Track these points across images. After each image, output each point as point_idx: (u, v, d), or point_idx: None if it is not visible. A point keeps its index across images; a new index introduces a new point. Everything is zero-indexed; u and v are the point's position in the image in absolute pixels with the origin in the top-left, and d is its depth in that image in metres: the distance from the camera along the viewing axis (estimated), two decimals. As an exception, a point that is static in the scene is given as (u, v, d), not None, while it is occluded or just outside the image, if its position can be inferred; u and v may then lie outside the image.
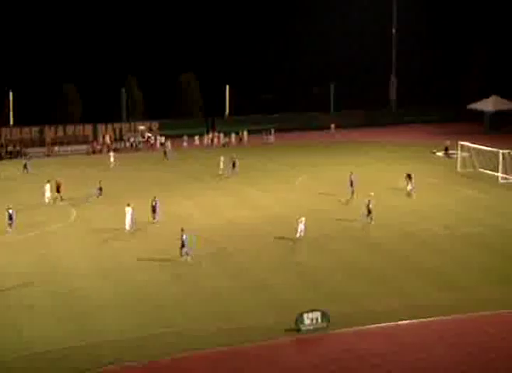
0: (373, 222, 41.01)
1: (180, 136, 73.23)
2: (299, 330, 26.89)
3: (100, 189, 46.60)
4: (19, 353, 24.62)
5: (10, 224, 37.37)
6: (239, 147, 71.78)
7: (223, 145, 73.87)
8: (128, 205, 39.99)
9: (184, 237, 33.83)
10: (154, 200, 40.92)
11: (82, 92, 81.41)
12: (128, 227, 39.27)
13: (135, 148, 72.58)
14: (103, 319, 27.66)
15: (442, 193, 50.30)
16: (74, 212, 43.61)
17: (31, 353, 24.63)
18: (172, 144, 70.49)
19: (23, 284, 31.36)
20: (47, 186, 46.09)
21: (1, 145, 69.80)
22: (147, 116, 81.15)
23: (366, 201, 41.42)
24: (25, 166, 58.24)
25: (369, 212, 41.04)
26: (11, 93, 75.41)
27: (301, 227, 38.22)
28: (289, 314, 27.52)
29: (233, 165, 57.19)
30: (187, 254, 33.84)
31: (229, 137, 75.05)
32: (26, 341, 25.45)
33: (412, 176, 50.11)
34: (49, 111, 78.92)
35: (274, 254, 36.36)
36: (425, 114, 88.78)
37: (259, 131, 75.56)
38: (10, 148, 68.80)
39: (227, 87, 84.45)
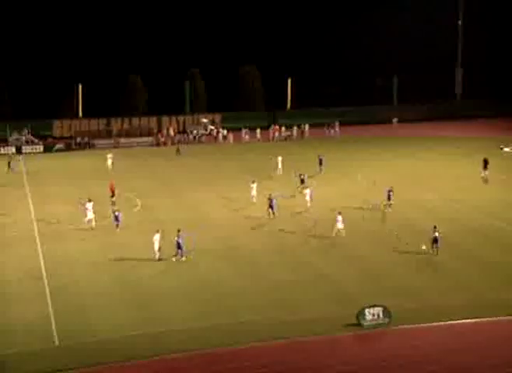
0: (390, 210, 41.41)
1: (242, 129, 73.38)
2: (360, 325, 26.48)
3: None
4: (86, 339, 25.12)
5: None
6: (300, 141, 71.51)
7: (285, 139, 73.50)
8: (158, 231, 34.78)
9: (180, 240, 32.92)
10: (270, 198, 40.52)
11: (147, 84, 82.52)
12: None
13: (197, 140, 73.56)
14: (167, 307, 27.91)
15: (510, 188, 48.76)
16: (139, 202, 44.28)
17: (97, 340, 25.08)
18: (234, 137, 70.89)
19: (93, 271, 32.24)
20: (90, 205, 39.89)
21: (71, 137, 72.10)
22: (210, 109, 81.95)
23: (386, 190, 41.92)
24: (9, 165, 55.15)
25: (389, 199, 41.54)
26: (80, 85, 77.57)
27: (339, 225, 36.99)
28: (350, 308, 27.14)
29: (320, 162, 54.01)
30: (180, 255, 32.93)
31: (291, 131, 74.69)
32: (93, 328, 25.93)
33: (489, 161, 49.52)
34: (115, 102, 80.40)
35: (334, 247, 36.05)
36: (491, 108, 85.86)
37: (321, 125, 74.86)
38: (79, 140, 70.92)
39: (289, 79, 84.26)
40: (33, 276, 31.11)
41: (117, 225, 37.89)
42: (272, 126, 74.81)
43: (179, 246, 33.15)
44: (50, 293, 29.04)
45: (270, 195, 40.84)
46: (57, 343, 24.87)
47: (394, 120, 79.34)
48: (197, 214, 42.07)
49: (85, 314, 27.23)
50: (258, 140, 70.95)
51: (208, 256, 34.16)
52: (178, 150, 63.84)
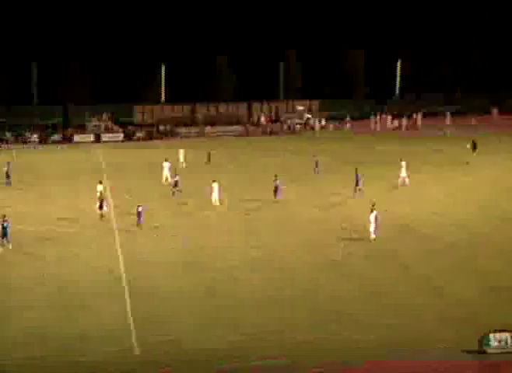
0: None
1: (343, 118, 72.10)
2: (483, 353, 24.91)
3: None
4: (167, 349, 24.84)
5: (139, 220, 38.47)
6: (412, 132, 69.09)
7: (393, 130, 71.57)
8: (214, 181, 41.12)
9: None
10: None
11: (236, 66, 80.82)
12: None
13: (292, 130, 72.54)
14: (252, 318, 27.23)
15: None
16: (259, 203, 43.75)
17: (179, 351, 24.77)
18: (334, 127, 69.77)
19: (171, 273, 31.58)
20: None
21: (152, 124, 72.47)
22: (306, 95, 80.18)
23: None
24: (7, 175, 47.53)
25: None
26: (163, 67, 77.85)
27: (373, 226, 34.92)
28: (470, 329, 25.63)
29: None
30: None
31: (400, 121, 72.19)
32: (170, 336, 25.57)
33: None
34: (200, 86, 78.92)
35: (450, 256, 34.37)
36: None
37: (435, 114, 72.46)
38: (162, 128, 70.89)
39: (398, 62, 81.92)
40: (111, 275, 31.05)
41: (139, 223, 37.53)
42: (378, 114, 73.01)
43: None
44: (130, 296, 29.04)
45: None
46: (137, 352, 24.75)
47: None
48: (286, 214, 41.31)
49: (164, 319, 27.01)
50: (362, 130, 69.11)
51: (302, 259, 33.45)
52: (209, 156, 55.38)
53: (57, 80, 78.03)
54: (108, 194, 44.23)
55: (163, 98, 77.20)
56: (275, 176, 42.99)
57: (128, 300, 28.44)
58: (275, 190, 42.28)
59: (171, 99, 75.99)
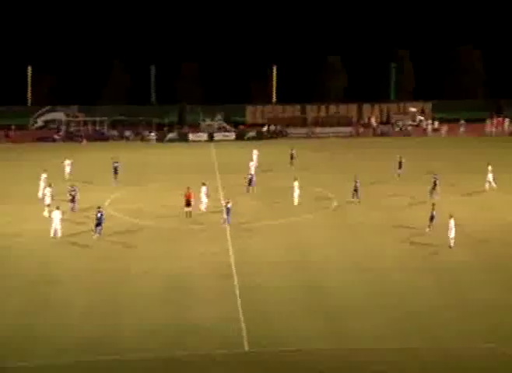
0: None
1: (457, 120, 70.26)
2: None
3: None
4: (273, 348, 25.08)
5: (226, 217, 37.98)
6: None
7: (510, 135, 68.91)
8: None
9: None
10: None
11: (347, 66, 79.96)
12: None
13: (404, 132, 71.09)
14: (354, 322, 27.08)
15: None
16: (335, 202, 43.78)
17: (286, 350, 24.93)
18: (447, 130, 67.92)
19: (278, 273, 31.58)
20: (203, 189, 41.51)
21: (263, 124, 72.00)
22: (418, 96, 78.20)
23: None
24: (115, 170, 48.64)
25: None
26: (274, 67, 78.21)
27: (452, 234, 33.96)
28: None
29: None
30: None
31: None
32: (277, 335, 25.91)
33: None
34: (310, 86, 79.17)
35: None
36: None
37: None
38: (272, 128, 70.59)
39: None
40: (222, 274, 31.46)
41: (226, 220, 37.75)
42: (495, 117, 70.36)
43: None
44: (240, 294, 29.25)
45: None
46: (246, 348, 25.23)
47: None
48: (392, 220, 40.21)
49: (272, 319, 27.32)
50: (477, 134, 66.76)
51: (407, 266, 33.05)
52: (292, 156, 54.27)
53: (173, 81, 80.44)
54: (220, 194, 45.17)
55: (274, 98, 77.82)
56: (355, 176, 43.45)
57: (238, 296, 29.00)
58: (355, 190, 42.84)
59: (282, 100, 76.40)
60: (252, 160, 51.25)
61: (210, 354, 24.43)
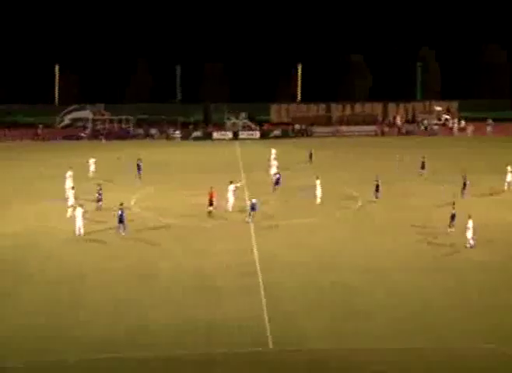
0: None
1: (484, 120, 69.61)
2: None
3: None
4: (298, 346, 25.04)
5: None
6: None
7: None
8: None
9: None
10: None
11: (371, 65, 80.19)
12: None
13: (429, 131, 70.74)
14: (368, 322, 26.90)
15: None
16: (359, 202, 43.67)
17: (309, 349, 24.84)
18: (473, 129, 67.32)
19: (303, 271, 31.37)
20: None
21: (287, 123, 72.58)
22: (444, 95, 78.08)
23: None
24: (138, 167, 48.90)
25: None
26: (299, 66, 78.57)
27: (469, 234, 33.72)
28: None
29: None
30: None
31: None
32: (299, 335, 25.80)
33: None
34: (335, 85, 79.30)
35: None
36: None
37: None
38: (297, 127, 70.91)
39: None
40: (246, 272, 31.41)
41: (250, 215, 38.25)
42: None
43: None
44: (264, 290, 29.15)
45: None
46: (271, 345, 25.21)
47: None
48: (414, 220, 39.58)
49: (296, 317, 27.30)
50: (504, 133, 65.89)
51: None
52: (311, 155, 55.40)
53: (198, 80, 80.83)
54: (246, 193, 45.16)
55: (298, 97, 77.84)
56: (377, 176, 43.37)
57: (262, 294, 28.91)
58: (376, 190, 42.82)
59: (306, 98, 76.41)
60: (269, 160, 50.95)
61: (238, 353, 24.41)
